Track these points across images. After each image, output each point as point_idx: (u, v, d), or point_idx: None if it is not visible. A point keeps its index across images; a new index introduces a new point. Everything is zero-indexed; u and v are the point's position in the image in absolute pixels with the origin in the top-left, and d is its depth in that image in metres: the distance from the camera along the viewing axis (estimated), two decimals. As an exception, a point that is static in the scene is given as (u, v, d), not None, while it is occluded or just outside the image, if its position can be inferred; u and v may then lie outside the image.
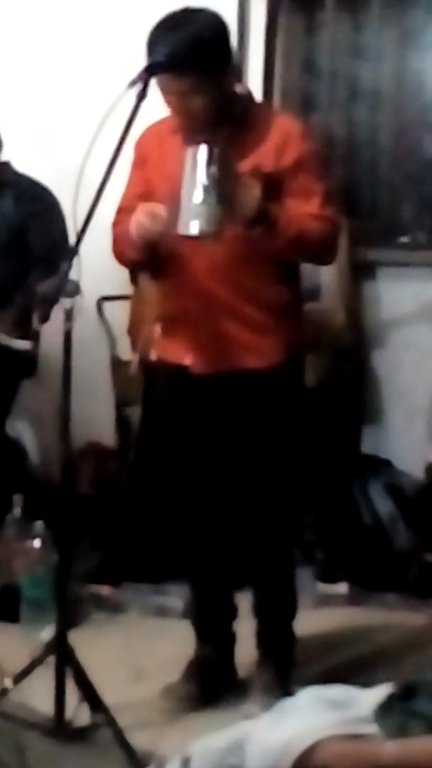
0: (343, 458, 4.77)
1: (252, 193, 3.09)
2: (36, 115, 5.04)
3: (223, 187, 3.04)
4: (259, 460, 3.38)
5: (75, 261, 3.09)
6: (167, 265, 3.31)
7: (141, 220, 3.18)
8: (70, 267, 3.10)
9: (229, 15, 4.91)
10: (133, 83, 3.10)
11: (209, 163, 3.04)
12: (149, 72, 3.14)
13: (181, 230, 3.08)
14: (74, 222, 3.07)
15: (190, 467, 3.47)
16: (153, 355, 4.35)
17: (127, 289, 4.61)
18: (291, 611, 3.56)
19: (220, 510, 3.49)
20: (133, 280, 4.50)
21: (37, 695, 3.24)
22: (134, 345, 4.53)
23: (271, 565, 3.51)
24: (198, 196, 3.04)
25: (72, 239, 3.14)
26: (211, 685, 3.50)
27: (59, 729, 3.15)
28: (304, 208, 3.22)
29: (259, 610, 3.55)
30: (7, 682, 3.26)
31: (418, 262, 4.88)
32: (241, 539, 3.51)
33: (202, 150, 3.05)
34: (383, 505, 4.62)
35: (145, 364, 4.45)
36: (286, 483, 3.47)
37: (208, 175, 3.03)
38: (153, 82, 3.12)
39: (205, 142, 3.06)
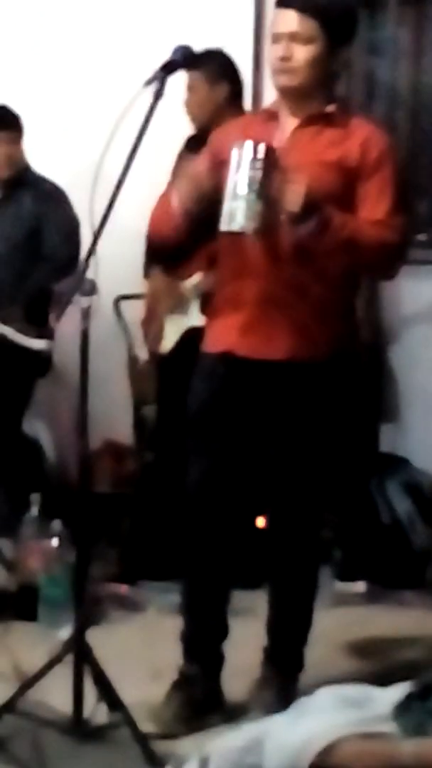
0: (361, 456, 4.76)
1: (297, 190, 3.06)
2: (53, 114, 5.04)
3: (264, 183, 3.03)
4: (296, 452, 3.32)
5: (92, 260, 3.09)
6: (222, 252, 3.32)
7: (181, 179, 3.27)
8: (86, 266, 3.10)
9: (246, 14, 4.97)
10: (149, 82, 3.11)
11: (252, 159, 3.03)
12: (166, 70, 3.14)
13: (223, 226, 3.09)
14: (91, 221, 3.08)
15: (224, 454, 3.38)
16: (163, 349, 4.38)
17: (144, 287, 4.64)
18: (305, 633, 3.46)
19: (231, 515, 3.43)
20: (146, 274, 4.52)
21: (56, 694, 3.24)
22: (146, 337, 4.55)
23: (294, 573, 3.43)
24: (239, 191, 3.04)
25: (87, 239, 3.14)
26: (195, 704, 3.37)
27: (77, 728, 3.16)
28: (372, 213, 3.21)
29: (272, 629, 3.47)
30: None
31: (436, 260, 4.87)
32: (265, 548, 3.48)
33: (247, 146, 3.05)
34: (401, 503, 4.61)
35: (156, 358, 4.47)
36: (318, 481, 3.42)
37: (250, 171, 3.03)
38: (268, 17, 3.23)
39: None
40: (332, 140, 3.26)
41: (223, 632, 3.47)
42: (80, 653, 3.16)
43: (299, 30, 3.20)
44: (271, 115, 3.36)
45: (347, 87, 4.99)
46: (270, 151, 3.07)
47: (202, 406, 3.39)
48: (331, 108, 3.30)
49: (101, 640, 3.30)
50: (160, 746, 3.10)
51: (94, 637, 3.24)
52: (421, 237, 4.95)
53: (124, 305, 4.88)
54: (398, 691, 2.82)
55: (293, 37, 3.20)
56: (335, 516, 4.62)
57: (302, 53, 3.21)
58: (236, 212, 3.04)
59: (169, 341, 4.37)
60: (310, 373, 3.27)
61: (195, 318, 4.22)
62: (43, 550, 4.10)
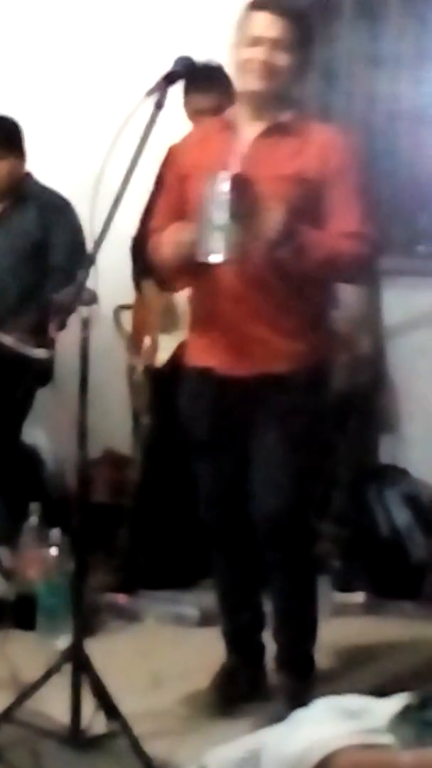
0: (360, 467, 4.76)
1: (273, 217, 3.06)
2: (54, 125, 5.05)
3: (240, 212, 3.03)
4: (278, 462, 3.32)
5: (92, 270, 3.10)
6: (199, 271, 3.31)
7: (170, 240, 3.25)
8: (87, 276, 3.11)
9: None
10: (150, 92, 3.11)
11: (227, 190, 3.03)
12: (167, 81, 3.15)
13: (201, 257, 3.11)
14: (92, 231, 3.08)
15: (210, 468, 3.45)
16: (157, 362, 4.38)
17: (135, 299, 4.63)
18: (311, 635, 3.52)
19: (241, 516, 3.46)
20: (137, 287, 4.52)
21: (53, 703, 3.24)
22: (136, 351, 4.54)
23: (290, 581, 3.46)
24: (215, 223, 3.04)
25: (89, 250, 3.15)
26: (235, 694, 3.48)
27: (75, 737, 3.16)
28: (341, 224, 3.18)
29: (277, 634, 3.51)
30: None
31: (436, 271, 4.88)
32: (261, 554, 3.49)
33: (221, 176, 3.05)
34: (400, 514, 4.61)
35: (151, 371, 4.47)
36: (306, 489, 3.44)
37: (225, 202, 3.02)
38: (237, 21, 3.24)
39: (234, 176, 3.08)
40: (290, 152, 3.23)
41: (258, 622, 3.57)
42: (78, 663, 3.16)
43: (283, 36, 3.18)
44: (227, 124, 3.34)
45: (347, 99, 5.02)
46: (243, 180, 3.07)
47: (193, 421, 3.44)
48: (287, 116, 3.26)
49: (99, 649, 3.31)
50: (158, 756, 3.10)
51: (92, 646, 3.24)
52: (421, 248, 4.96)
53: (124, 315, 4.88)
54: (396, 702, 2.81)
55: (276, 43, 3.18)
56: (334, 527, 4.63)
57: (285, 60, 3.20)
58: (213, 244, 3.05)
59: (164, 354, 4.36)
60: (289, 384, 3.27)
61: None
62: (42, 559, 4.10)
